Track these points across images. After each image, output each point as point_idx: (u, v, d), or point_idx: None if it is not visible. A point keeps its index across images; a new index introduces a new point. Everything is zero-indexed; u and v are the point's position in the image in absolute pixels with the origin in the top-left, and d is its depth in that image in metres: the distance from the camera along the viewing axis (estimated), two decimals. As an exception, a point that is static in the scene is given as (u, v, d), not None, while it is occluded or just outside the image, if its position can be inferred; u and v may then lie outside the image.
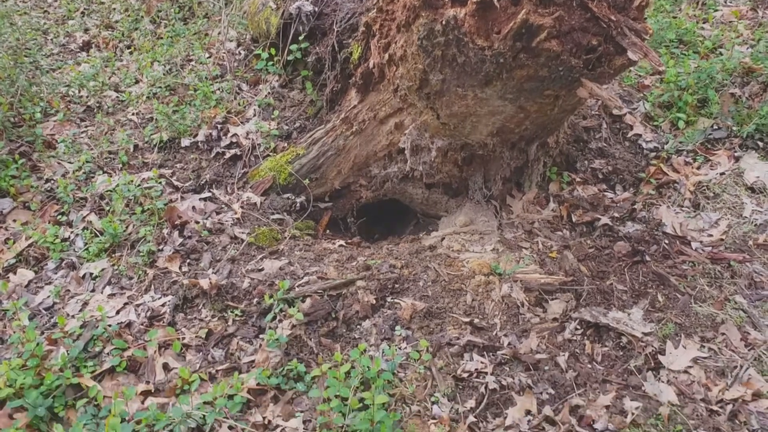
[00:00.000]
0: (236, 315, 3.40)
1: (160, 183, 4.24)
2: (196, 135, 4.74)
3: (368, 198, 4.43)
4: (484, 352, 3.19)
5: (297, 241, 4.06)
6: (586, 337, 3.26)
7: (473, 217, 4.13)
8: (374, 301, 3.42)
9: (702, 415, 2.82)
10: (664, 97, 4.69)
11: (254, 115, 4.90)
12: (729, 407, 2.85)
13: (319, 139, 4.26)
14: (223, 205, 4.24)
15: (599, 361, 3.15)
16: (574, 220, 4.12)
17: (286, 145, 4.55)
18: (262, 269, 3.68)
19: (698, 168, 4.32)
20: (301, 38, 4.52)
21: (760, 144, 4.31)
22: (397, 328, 3.29)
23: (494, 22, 2.60)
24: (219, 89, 5.17)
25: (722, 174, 4.13)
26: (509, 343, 3.22)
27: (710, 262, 3.58)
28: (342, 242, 4.07)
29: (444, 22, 2.67)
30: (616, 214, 4.07)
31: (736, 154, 4.28)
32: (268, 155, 4.48)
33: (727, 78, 4.63)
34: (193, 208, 4.17)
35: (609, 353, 3.17)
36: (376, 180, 4.29)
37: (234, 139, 4.67)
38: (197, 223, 4.00)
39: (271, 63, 4.79)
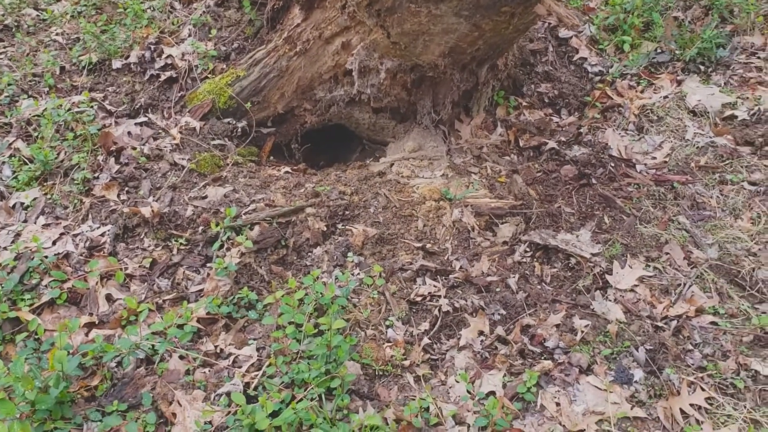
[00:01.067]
0: (181, 244, 3.28)
1: (92, 107, 3.99)
2: (128, 56, 4.46)
3: (313, 123, 4.29)
4: (437, 276, 3.18)
5: (240, 167, 3.92)
6: (535, 260, 3.29)
7: (422, 142, 4.06)
8: (325, 228, 3.35)
9: (648, 331, 2.90)
10: (610, 19, 4.67)
11: (189, 35, 4.64)
12: (673, 323, 2.94)
13: (260, 60, 4.07)
14: (160, 131, 4.04)
15: (548, 282, 3.19)
16: (521, 144, 4.11)
17: (225, 66, 4.33)
18: (205, 197, 3.54)
19: (642, 92, 4.35)
20: (238, -48, 4.26)
21: (702, 68, 4.36)
22: (350, 254, 3.24)
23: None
24: (150, 8, 4.86)
25: (665, 98, 4.17)
26: (461, 267, 3.22)
27: (654, 184, 3.64)
28: (288, 169, 3.95)
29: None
30: (563, 138, 4.08)
31: (678, 78, 4.32)
32: (206, 77, 4.27)
33: (671, 2, 4.62)
34: (129, 133, 3.95)
35: (558, 274, 3.21)
36: (321, 104, 4.15)
37: (169, 61, 4.42)
38: (134, 149, 3.81)
39: (204, -21, 4.53)
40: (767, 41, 4.37)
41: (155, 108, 4.23)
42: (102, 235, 3.36)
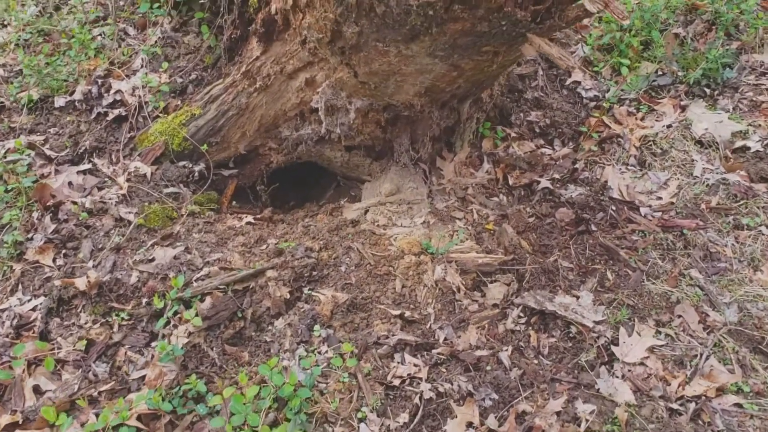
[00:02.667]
0: (122, 319, 2.85)
1: (29, 155, 3.54)
2: (73, 92, 4.01)
3: (280, 162, 3.87)
4: (417, 352, 2.76)
5: (196, 219, 3.48)
6: (530, 327, 2.87)
7: (400, 183, 3.64)
8: (288, 295, 2.92)
9: (662, 417, 2.49)
10: (605, 38, 4.26)
11: (142, 66, 4.20)
12: (691, 406, 2.53)
13: (217, 97, 3.64)
14: (106, 179, 3.59)
15: (546, 355, 2.78)
16: (510, 183, 3.69)
17: (179, 103, 3.89)
18: (152, 259, 3.10)
19: (642, 119, 3.95)
20: (191, -25, 3.82)
21: (707, 91, 3.95)
22: (316, 327, 2.81)
23: (421, -35, 2.04)
24: (101, 35, 4.42)
25: (669, 126, 3.76)
26: (446, 339, 2.80)
27: (661, 230, 3.23)
28: (250, 218, 3.52)
29: (358, -36, 2.10)
30: (557, 175, 3.66)
31: (682, 103, 3.92)
32: (158, 116, 3.82)
33: (671, 16, 4.22)
34: (70, 184, 3.51)
35: (557, 345, 2.80)
36: (287, 142, 3.72)
37: (118, 97, 3.97)
38: (75, 203, 3.36)
39: (157, 5, 4.06)
40: (778, 59, 3.97)
41: (102, 152, 3.78)
42: (33, 309, 2.92)
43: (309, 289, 2.99)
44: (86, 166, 3.62)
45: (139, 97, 3.93)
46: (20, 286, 3.02)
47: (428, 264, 3.11)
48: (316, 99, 3.24)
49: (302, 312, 2.87)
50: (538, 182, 3.63)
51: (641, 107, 3.99)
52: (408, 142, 3.59)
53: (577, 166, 3.67)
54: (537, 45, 2.15)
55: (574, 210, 3.39)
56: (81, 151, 3.72)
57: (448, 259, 3.07)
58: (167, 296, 2.84)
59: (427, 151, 3.61)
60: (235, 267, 3.03)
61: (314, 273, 3.06)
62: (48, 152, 3.66)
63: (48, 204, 3.33)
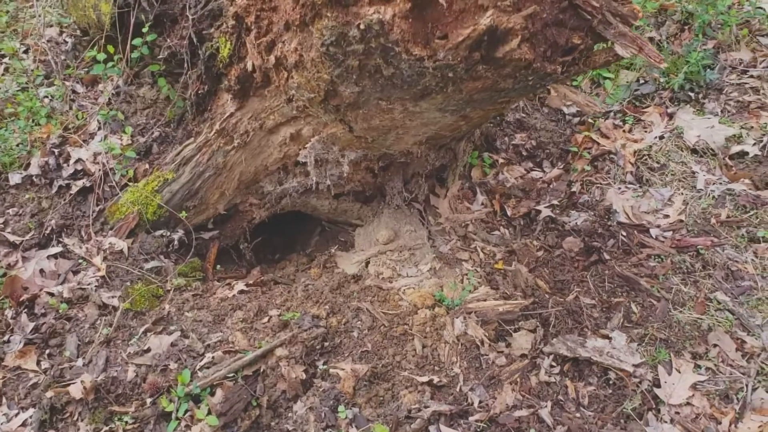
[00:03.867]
0: (126, 423, 2.59)
1: (-10, 245, 3.23)
2: (28, 166, 3.69)
3: (262, 217, 3.64)
4: (454, 422, 2.58)
5: (184, 293, 3.23)
6: (565, 376, 2.72)
7: (396, 227, 3.45)
8: (303, 375, 2.70)
9: (721, 461, 2.37)
10: (580, 50, 4.12)
11: (99, 129, 3.90)
12: (748, 444, 2.41)
13: (190, 158, 3.38)
14: (80, 260, 3.30)
15: (587, 406, 2.63)
16: (509, 213, 3.54)
17: (147, 166, 3.61)
18: (148, 350, 2.84)
19: (630, 131, 3.84)
20: (145, 29, 3.53)
21: (692, 95, 3.88)
22: (341, 408, 2.61)
23: (436, 25, 1.86)
24: (47, 97, 4.10)
25: (661, 138, 3.66)
26: (480, 402, 2.63)
27: (676, 251, 3.12)
28: (241, 285, 3.28)
29: (363, 27, 1.90)
30: (555, 202, 3.52)
31: (669, 111, 3.83)
32: (127, 184, 3.54)
33: (643, 21, 4.13)
34: (42, 271, 3.21)
35: (596, 393, 2.66)
36: (270, 197, 3.50)
37: (79, 166, 3.67)
38: (51, 294, 3.07)
39: (111, 64, 3.77)
40: (756, 56, 3.92)
41: (70, 229, 3.48)
42: (23, 424, 2.63)
43: (324, 363, 2.78)
44: (56, 248, 3.32)
45: (103, 164, 3.63)
46: (3, 399, 2.72)
47: (444, 317, 2.93)
48: (303, 153, 3.03)
49: (322, 392, 2.66)
50: (538, 211, 3.49)
51: (627, 119, 3.89)
52: (401, 184, 3.40)
53: (573, 189, 3.54)
54: (562, 94, 2.00)
55: (582, 238, 3.26)
56: (47, 231, 3.42)
57: (467, 310, 2.90)
58: (173, 392, 2.59)
59: (421, 191, 3.43)
60: (239, 348, 2.79)
61: (326, 344, 2.85)
62: (11, 237, 3.34)
63: (21, 299, 3.03)
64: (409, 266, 3.23)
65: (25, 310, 3.02)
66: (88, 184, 3.59)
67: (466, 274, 3.14)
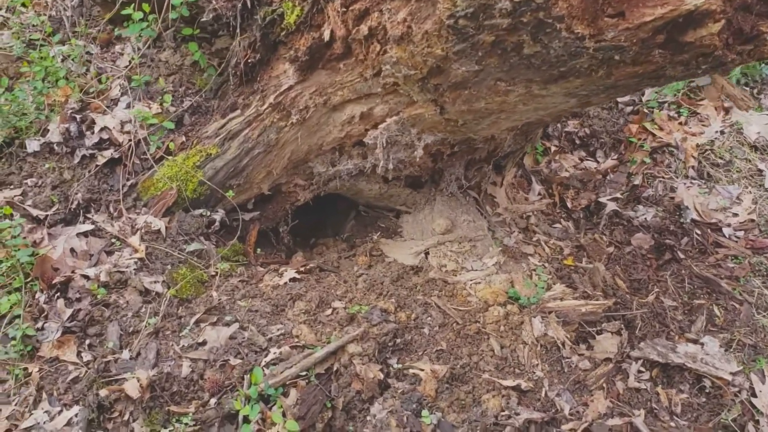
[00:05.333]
0: (186, 426, 2.34)
1: (13, 219, 2.90)
2: (46, 132, 3.35)
3: (306, 199, 3.39)
4: (544, 430, 2.40)
5: (230, 279, 2.98)
6: (654, 382, 2.58)
7: (452, 216, 3.25)
8: (381, 375, 2.49)
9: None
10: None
11: (123, 95, 3.57)
12: None
13: (237, 133, 3.10)
14: (113, 240, 3.00)
15: (679, 414, 2.49)
16: (569, 206, 3.37)
17: (184, 139, 3.32)
18: (203, 342, 2.59)
19: (685, 123, 3.71)
20: (187, -12, 3.22)
21: (747, 89, 3.75)
22: (424, 413, 2.40)
23: (608, 1, 1.65)
24: (59, 53, 3.73)
25: (722, 133, 3.53)
26: (571, 410, 2.46)
27: (751, 252, 3.00)
28: (292, 272, 3.03)
29: (518, 0, 1.68)
30: (618, 195, 3.37)
31: (725, 105, 3.70)
32: (163, 157, 3.24)
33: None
34: (72, 251, 2.91)
35: (689, 402, 2.52)
36: (319, 179, 3.24)
37: (105, 135, 3.35)
38: (86, 278, 2.77)
39: (145, 23, 3.43)
40: (813, 53, 3.81)
41: (98, 204, 3.17)
42: (68, 423, 2.36)
43: (397, 361, 2.58)
44: (86, 226, 3.01)
45: (132, 133, 3.32)
46: (43, 394, 2.44)
47: (518, 316, 2.76)
48: (372, 134, 2.79)
49: (402, 393, 2.45)
50: (599, 203, 3.33)
51: (681, 111, 3.75)
52: (462, 170, 3.19)
53: (635, 182, 3.39)
54: (720, 86, 1.81)
55: (652, 235, 3.11)
56: (73, 206, 3.10)
57: (544, 310, 2.73)
58: (240, 391, 2.35)
59: (486, 179, 3.23)
60: (306, 343, 2.57)
61: (397, 340, 2.64)
62: (33, 211, 3.02)
63: (53, 281, 2.73)
64: (473, 259, 3.04)
65: (57, 294, 2.72)
66: (116, 156, 3.27)
67: (534, 270, 2.96)
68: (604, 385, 2.57)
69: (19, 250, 2.76)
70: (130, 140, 3.30)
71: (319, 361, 2.48)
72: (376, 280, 2.95)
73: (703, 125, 3.63)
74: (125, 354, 2.54)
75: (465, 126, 2.54)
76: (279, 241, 3.54)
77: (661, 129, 3.68)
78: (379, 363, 2.55)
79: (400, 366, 2.55)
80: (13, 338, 2.54)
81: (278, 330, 2.65)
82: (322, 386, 2.43)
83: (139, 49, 3.87)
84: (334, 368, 2.50)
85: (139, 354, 2.55)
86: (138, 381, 2.36)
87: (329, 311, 2.75)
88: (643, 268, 2.97)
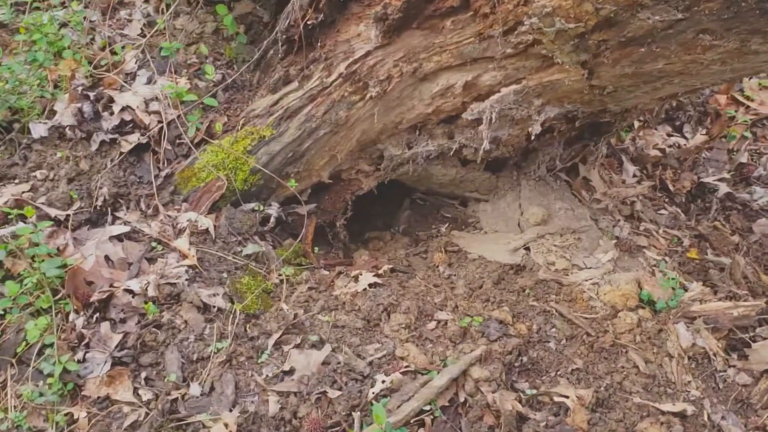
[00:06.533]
0: (288, 481, 1.84)
1: (32, 222, 2.32)
2: (53, 114, 2.76)
3: (370, 187, 2.91)
4: (722, 464, 1.98)
5: (299, 287, 2.47)
6: (829, 398, 2.18)
7: (545, 204, 2.79)
8: (519, 405, 2.03)
9: None
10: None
11: (139, 68, 3.00)
12: None
13: (297, 110, 2.58)
14: (153, 243, 2.46)
15: None
16: (671, 188, 2.94)
17: (226, 119, 2.77)
18: (290, 371, 2.09)
19: (776, 92, 3.31)
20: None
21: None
22: (580, 450, 1.95)
23: None
24: (54, 22, 3.11)
25: (830, 102, 3.15)
26: (750, 439, 2.04)
27: None
28: (370, 277, 2.53)
29: None
30: (725, 175, 2.96)
31: (821, 72, 3.30)
32: (205, 140, 2.69)
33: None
34: (107, 259, 2.35)
35: None
36: (389, 163, 2.75)
37: (127, 116, 2.78)
38: (130, 292, 2.23)
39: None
40: None
41: (126, 200, 2.62)
42: (132, 484, 1.84)
43: (529, 386, 2.12)
44: (120, 227, 2.46)
45: (162, 113, 2.76)
46: (94, 447, 1.91)
47: (651, 323, 2.33)
48: (477, 108, 2.31)
49: (546, 428, 1.99)
50: (701, 185, 2.91)
51: (772, 77, 3.36)
52: (560, 150, 2.73)
53: (741, 159, 2.98)
54: None
55: (778, 221, 2.71)
56: (99, 203, 2.54)
57: (687, 315, 2.30)
58: (351, 436, 1.87)
59: (593, 158, 2.78)
60: (416, 367, 2.09)
61: (523, 359, 2.18)
62: (51, 211, 2.44)
63: (90, 299, 2.18)
64: (583, 255, 2.59)
65: (98, 315, 2.17)
66: (143, 141, 2.71)
67: (656, 266, 2.53)
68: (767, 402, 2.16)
69: (43, 261, 2.19)
70: (159, 122, 2.74)
71: (442, 390, 2.00)
72: (474, 284, 2.48)
73: (803, 94, 3.24)
74: (194, 389, 2.02)
75: (612, 95, 2.08)
76: (335, 237, 3.03)
77: (750, 100, 3.28)
78: (508, 389, 2.08)
79: (534, 392, 2.09)
80: (50, 375, 2.00)
81: (377, 351, 2.17)
82: (450, 422, 1.96)
83: (149, 15, 3.30)
84: (460, 398, 2.02)
85: (212, 389, 2.03)
86: (226, 426, 1.85)
87: (433, 325, 2.28)
88: (774, 259, 2.57)
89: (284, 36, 2.67)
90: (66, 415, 1.97)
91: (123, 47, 2.98)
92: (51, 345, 2.08)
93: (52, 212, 2.45)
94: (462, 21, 2.11)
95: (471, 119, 2.37)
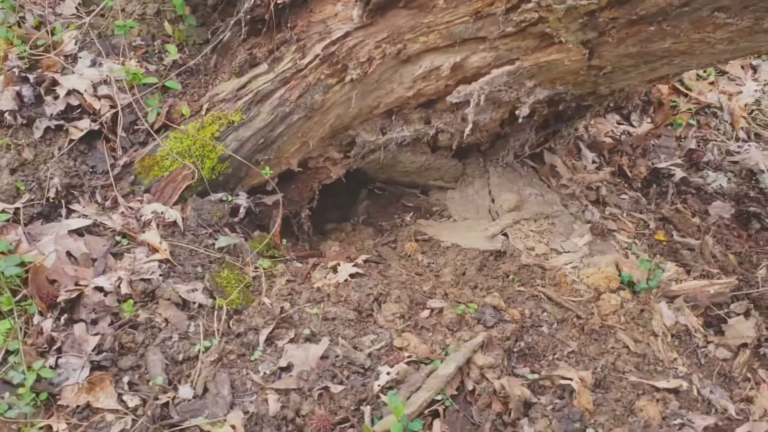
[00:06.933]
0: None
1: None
2: (-12, 97, 2.49)
3: (338, 175, 2.80)
4: (721, 437, 2.04)
5: (277, 280, 2.34)
6: (799, 367, 2.29)
7: (515, 190, 2.79)
8: (527, 390, 2.00)
9: None
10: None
11: (80, 49, 2.76)
12: None
13: (269, 94, 2.44)
14: (118, 237, 2.26)
15: (838, 402, 2.22)
16: (630, 174, 3.02)
17: (187, 104, 2.58)
18: (288, 367, 1.97)
19: (713, 83, 3.48)
20: None
21: (769, 47, 3.58)
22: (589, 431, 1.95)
23: None
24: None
25: (763, 92, 3.33)
26: (742, 411, 2.11)
27: (835, 217, 2.81)
28: (350, 267, 2.43)
29: None
30: (678, 161, 3.07)
31: (752, 63, 3.51)
32: (165, 125, 2.50)
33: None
34: (69, 256, 2.14)
35: None
36: (359, 150, 2.66)
37: (74, 101, 2.54)
38: (100, 290, 2.03)
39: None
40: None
41: (80, 191, 2.40)
42: (126, 500, 1.67)
43: (530, 370, 2.10)
44: (80, 221, 2.24)
45: (113, 97, 2.54)
46: (80, 461, 1.73)
47: (632, 303, 2.38)
48: (465, 90, 2.27)
49: (554, 411, 1.98)
50: (656, 170, 3.01)
51: (707, 69, 3.52)
52: (533, 135, 2.73)
53: (690, 146, 3.10)
54: None
55: (730, 203, 2.83)
56: (51, 195, 2.30)
57: (668, 294, 2.36)
58: (366, 430, 1.78)
59: (564, 143, 2.80)
60: (418, 354, 2.02)
61: (520, 344, 2.16)
62: (-2, 204, 2.20)
63: (57, 299, 1.97)
64: (560, 239, 2.61)
65: (65, 316, 1.96)
66: (95, 127, 2.49)
67: (628, 248, 2.59)
68: (749, 375, 2.24)
69: (-1, 258, 1.96)
70: (112, 106, 2.53)
71: (449, 379, 1.95)
72: (457, 270, 2.44)
73: (736, 84, 3.41)
74: (186, 391, 1.87)
75: (607, 76, 2.09)
76: (299, 228, 2.90)
77: (689, 89, 3.43)
78: (510, 375, 2.06)
79: (535, 376, 2.07)
80: (20, 384, 1.78)
81: (373, 342, 2.09)
82: (462, 411, 1.90)
83: (84, -8, 3.05)
84: (468, 386, 1.97)
85: (206, 390, 1.88)
86: (233, 428, 1.71)
87: (427, 313, 2.22)
88: (736, 239, 2.68)
89: (248, 16, 2.52)
90: (42, 428, 1.76)
91: (65, 26, 2.73)
92: (15, 352, 1.86)
93: (0, 205, 2.19)
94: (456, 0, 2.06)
95: (455, 102, 2.32)
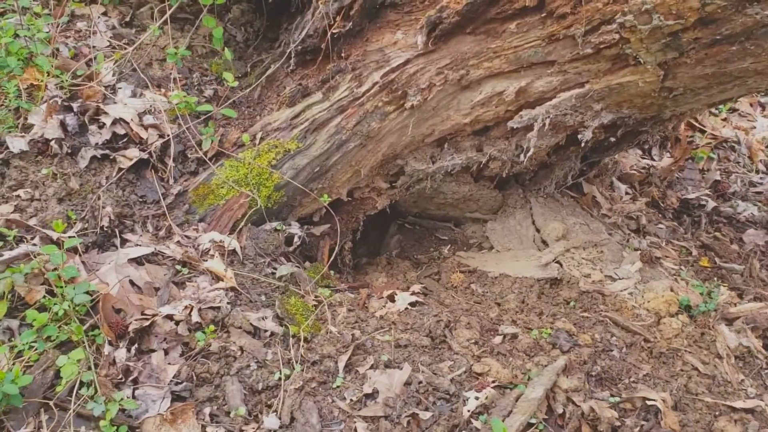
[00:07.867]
0: None
1: (25, 242, 1.98)
2: (28, 128, 2.41)
3: (383, 206, 2.78)
4: (805, 456, 2.03)
5: (337, 308, 2.28)
6: None
7: (560, 220, 2.80)
8: (616, 414, 1.97)
9: None
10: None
11: (117, 79, 2.71)
12: None
13: (325, 122, 2.42)
14: (180, 266, 2.18)
15: None
16: (661, 205, 3.07)
17: (239, 134, 2.54)
18: (373, 394, 1.90)
19: (725, 119, 3.60)
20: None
21: (775, 86, 3.73)
22: (683, 455, 1.92)
23: None
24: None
25: (775, 127, 3.45)
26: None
27: None
28: (408, 296, 2.39)
29: None
30: (707, 191, 3.14)
31: (761, 100, 3.64)
32: (220, 154, 2.45)
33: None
34: (132, 284, 2.05)
35: None
36: (407, 179, 2.65)
37: (120, 129, 2.48)
38: (170, 319, 1.95)
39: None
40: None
41: (132, 221, 2.32)
42: None
43: (611, 394, 2.07)
44: (140, 249, 2.16)
45: (159, 127, 2.49)
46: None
47: (691, 327, 2.38)
48: (529, 114, 2.28)
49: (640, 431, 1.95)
50: (685, 201, 3.06)
51: (719, 107, 3.64)
52: (576, 165, 2.76)
53: (715, 177, 3.18)
54: None
55: (765, 232, 2.89)
56: (104, 224, 2.22)
57: (727, 317, 2.37)
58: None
59: (609, 173, 2.83)
60: (502, 381, 1.98)
61: (596, 368, 2.14)
62: (53, 234, 2.10)
63: (126, 328, 1.88)
64: (612, 266, 2.61)
65: (135, 346, 1.87)
66: (144, 156, 2.43)
67: (677, 274, 2.60)
68: (815, 395, 2.25)
69: (65, 286, 1.87)
70: (160, 135, 2.47)
71: (539, 404, 1.90)
72: (519, 296, 2.43)
73: (748, 120, 3.53)
74: (271, 421, 1.78)
75: (676, 98, 2.12)
76: (342, 261, 2.85)
77: (701, 124, 3.53)
78: (592, 398, 2.02)
79: (616, 399, 2.04)
80: (99, 418, 1.67)
81: (451, 368, 2.03)
82: (555, 434, 1.86)
83: (114, 26, 3.03)
84: (558, 410, 1.93)
85: (293, 419, 1.79)
86: (336, 459, 1.63)
87: (500, 339, 2.18)
88: (773, 264, 2.73)
89: (299, 47, 2.52)
90: (127, 463, 1.65)
91: (103, 57, 2.68)
92: (89, 384, 1.76)
93: (54, 235, 2.10)
94: (529, 23, 2.09)
95: (515, 127, 2.33)
